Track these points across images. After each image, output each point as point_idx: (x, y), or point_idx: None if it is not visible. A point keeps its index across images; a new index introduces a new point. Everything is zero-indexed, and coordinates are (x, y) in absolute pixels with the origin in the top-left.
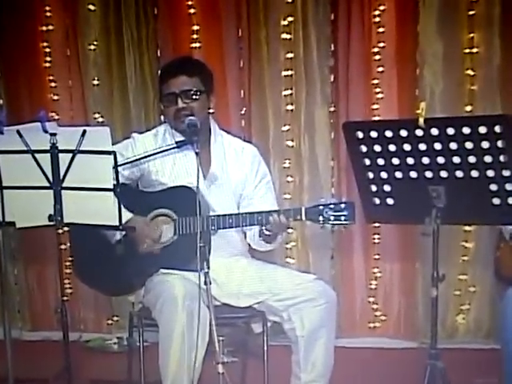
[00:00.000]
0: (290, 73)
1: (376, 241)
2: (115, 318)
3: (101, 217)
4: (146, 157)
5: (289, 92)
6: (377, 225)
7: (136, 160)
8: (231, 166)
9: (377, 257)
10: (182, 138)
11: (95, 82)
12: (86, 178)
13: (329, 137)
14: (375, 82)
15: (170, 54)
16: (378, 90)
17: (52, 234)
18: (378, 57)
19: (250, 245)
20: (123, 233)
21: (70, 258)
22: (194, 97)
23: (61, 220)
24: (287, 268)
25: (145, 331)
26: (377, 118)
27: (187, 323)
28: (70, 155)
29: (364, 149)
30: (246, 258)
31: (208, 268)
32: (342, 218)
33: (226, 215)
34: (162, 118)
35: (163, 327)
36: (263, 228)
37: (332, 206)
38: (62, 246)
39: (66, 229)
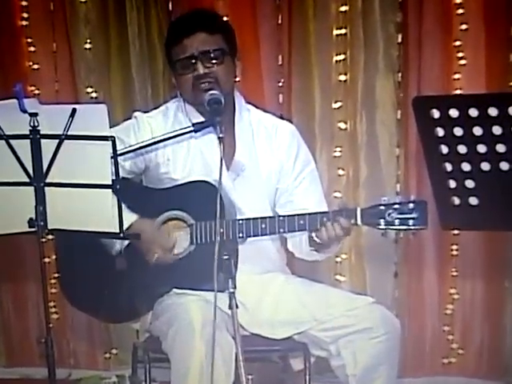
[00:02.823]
0: (343, 31)
1: (454, 253)
2: (114, 351)
3: (96, 221)
4: (153, 143)
5: (342, 57)
6: (455, 232)
7: (140, 148)
8: (261, 151)
9: (454, 273)
10: (200, 119)
11: (87, 46)
12: (77, 172)
13: (394, 116)
14: (457, 43)
15: (185, 8)
16: (460, 54)
17: (33, 244)
18: (460, 10)
19: (292, 253)
20: (125, 242)
21: (57, 275)
22: (217, 59)
23: (44, 226)
24: (337, 288)
25: (152, 367)
26: (458, 92)
27: (207, 358)
28: (56, 141)
29: (441, 132)
30: (283, 274)
31: (234, 287)
32: (411, 221)
33: (257, 219)
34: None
35: (176, 362)
36: (313, 234)
37: (397, 207)
38: (46, 259)
39: (50, 237)
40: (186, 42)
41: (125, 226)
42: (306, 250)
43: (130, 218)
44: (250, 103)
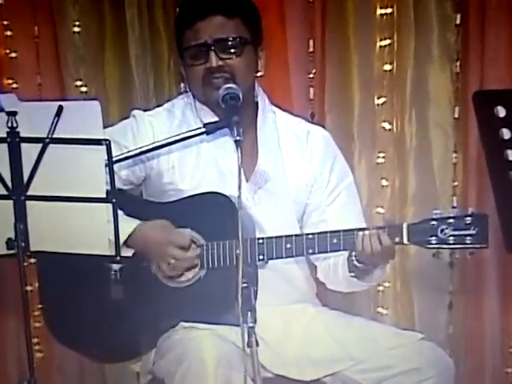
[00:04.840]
0: (389, 10)
1: None
2: None
3: (87, 242)
4: (156, 148)
5: (387, 42)
6: None
7: (140, 153)
8: (289, 160)
9: None
10: (213, 119)
11: (76, 30)
12: (64, 182)
13: (451, 114)
14: None
15: None
16: None
17: (13, 269)
18: None
19: (322, 282)
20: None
21: (41, 306)
22: (235, 49)
23: (26, 247)
24: (378, 322)
25: None
26: None
27: None
28: (39, 146)
29: (507, 134)
30: (313, 305)
31: (254, 321)
32: (468, 238)
33: (281, 237)
34: (182, 86)
35: None
36: (353, 256)
37: (451, 221)
38: (29, 288)
39: (33, 260)
40: (199, 26)
41: (127, 233)
42: (342, 278)
43: (130, 224)
44: (275, 105)
